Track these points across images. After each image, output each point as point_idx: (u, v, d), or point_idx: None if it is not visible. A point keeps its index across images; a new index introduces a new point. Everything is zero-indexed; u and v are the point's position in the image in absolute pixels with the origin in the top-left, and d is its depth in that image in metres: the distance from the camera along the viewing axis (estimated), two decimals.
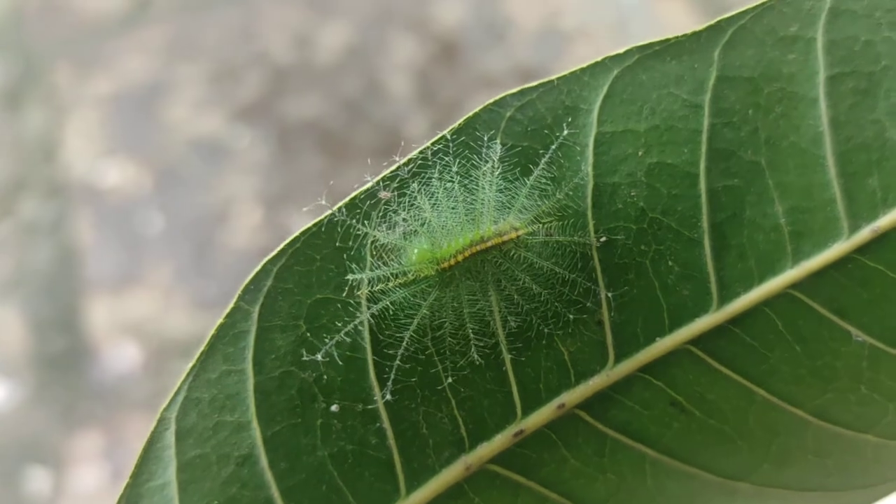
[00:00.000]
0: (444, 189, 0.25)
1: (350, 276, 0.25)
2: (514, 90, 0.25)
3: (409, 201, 0.25)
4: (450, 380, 0.25)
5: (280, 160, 1.23)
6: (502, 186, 0.25)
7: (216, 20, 1.27)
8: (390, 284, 0.25)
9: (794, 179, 0.24)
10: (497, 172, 0.24)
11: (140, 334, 1.20)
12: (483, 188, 0.24)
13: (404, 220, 0.25)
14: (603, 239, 0.25)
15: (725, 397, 0.26)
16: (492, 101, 0.25)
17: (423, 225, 0.25)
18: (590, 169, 0.25)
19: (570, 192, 0.25)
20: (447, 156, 0.25)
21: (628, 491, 0.27)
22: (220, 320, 0.25)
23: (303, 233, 0.25)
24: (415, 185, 0.25)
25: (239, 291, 0.25)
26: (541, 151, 0.25)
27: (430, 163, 0.25)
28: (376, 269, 0.25)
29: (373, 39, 1.26)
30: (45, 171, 1.25)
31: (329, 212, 0.25)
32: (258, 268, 0.25)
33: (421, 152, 0.25)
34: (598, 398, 0.26)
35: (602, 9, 1.30)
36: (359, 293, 0.25)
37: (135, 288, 1.21)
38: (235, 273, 1.21)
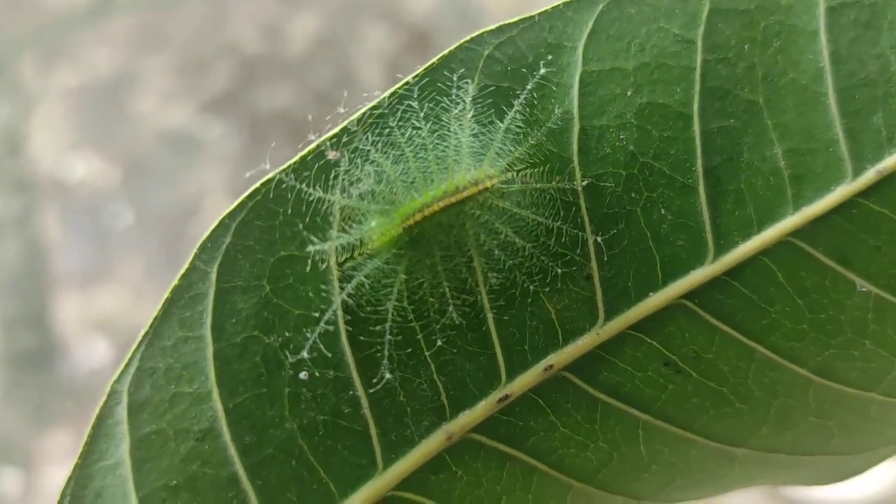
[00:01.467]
0: (410, 137, 0.22)
1: (310, 248, 0.22)
2: (493, 27, 0.23)
3: (364, 155, 0.22)
4: (439, 342, 0.23)
5: (251, 151, 1.20)
6: (476, 131, 0.22)
7: (183, 11, 1.24)
8: (356, 254, 0.23)
9: (794, 119, 0.22)
10: (470, 115, 0.22)
11: (110, 330, 1.17)
12: (455, 133, 0.22)
13: (358, 178, 0.22)
14: (585, 182, 0.22)
15: (723, 356, 0.24)
16: (468, 38, 0.22)
17: (380, 182, 0.22)
18: (575, 111, 0.23)
19: (545, 137, 0.22)
20: (412, 100, 0.22)
21: (621, 459, 0.25)
22: (174, 282, 0.23)
23: (263, 184, 0.22)
24: (368, 136, 0.22)
25: (195, 250, 0.23)
26: (520, 93, 0.23)
27: (390, 110, 0.22)
28: (339, 237, 0.22)
29: (343, 29, 1.23)
30: (11, 165, 1.21)
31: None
32: (215, 223, 0.22)
33: (389, 96, 0.22)
34: (587, 359, 0.24)
35: None
36: (323, 266, 0.22)
37: (104, 283, 1.17)
38: None
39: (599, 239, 0.23)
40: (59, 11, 1.26)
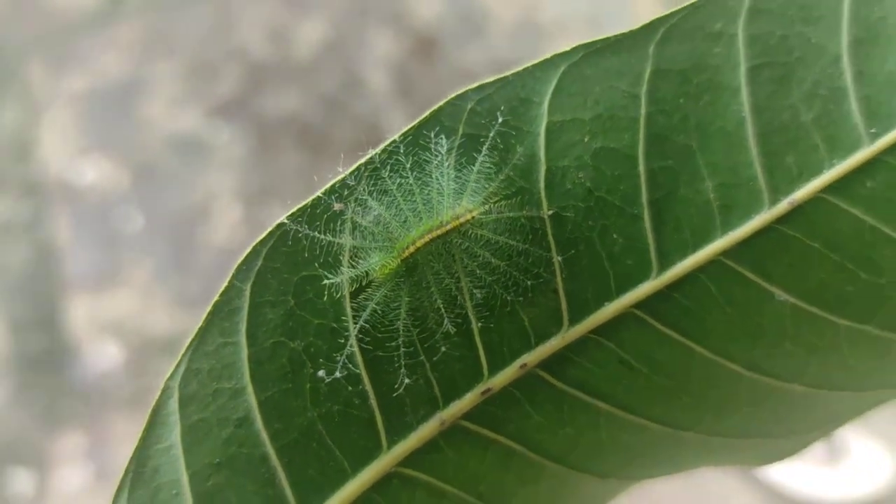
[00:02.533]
0: (399, 185, 0.29)
1: (325, 282, 0.29)
2: (474, 85, 0.29)
3: (363, 202, 0.29)
4: (444, 349, 0.29)
5: (259, 156, 1.26)
6: (454, 176, 0.29)
7: (191, 16, 1.30)
8: (364, 284, 0.29)
9: (722, 159, 0.29)
10: (447, 164, 0.28)
11: (121, 333, 1.22)
12: (437, 179, 0.29)
13: (359, 223, 0.29)
14: (551, 212, 0.29)
15: (669, 355, 0.30)
16: (454, 95, 0.29)
17: (378, 224, 0.29)
18: (542, 154, 0.29)
19: (515, 176, 0.29)
20: (399, 155, 0.29)
21: (586, 442, 0.31)
22: (215, 298, 0.29)
23: (288, 217, 0.29)
24: (365, 187, 0.29)
25: (232, 271, 0.29)
26: (498, 140, 0.29)
27: (382, 164, 0.29)
28: (348, 272, 0.29)
29: (350, 34, 1.29)
30: (20, 169, 1.28)
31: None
32: (248, 250, 0.29)
33: (386, 147, 0.29)
34: (555, 358, 0.30)
35: (578, 2, 1.34)
36: (337, 296, 0.29)
37: (114, 286, 1.23)
38: (216, 270, 1.24)
39: (563, 259, 0.29)
40: (67, 16, 1.33)
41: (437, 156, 0.28)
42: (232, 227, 1.25)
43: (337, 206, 0.28)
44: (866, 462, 1.02)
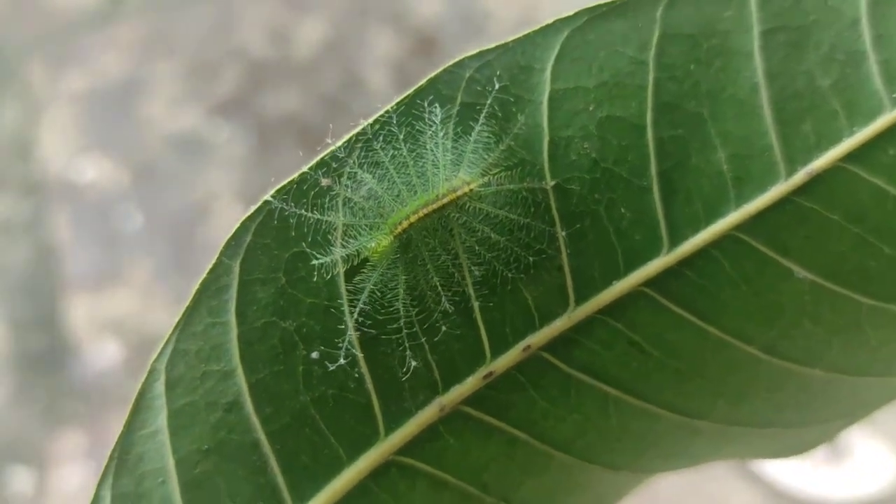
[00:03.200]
0: (393, 157, 0.27)
1: (316, 262, 0.27)
2: (473, 52, 0.27)
3: (353, 176, 0.27)
4: (444, 328, 0.27)
5: (259, 155, 1.25)
6: (450, 146, 0.27)
7: (191, 15, 1.29)
8: (356, 263, 0.27)
9: (734, 128, 0.27)
10: (443, 133, 0.26)
11: (121, 332, 1.21)
12: (432, 150, 0.27)
13: (350, 198, 0.27)
14: (553, 183, 0.27)
15: (681, 337, 0.28)
16: (452, 62, 0.27)
17: (370, 199, 0.27)
18: (545, 124, 0.27)
19: (517, 146, 0.27)
20: (392, 126, 0.27)
21: (595, 431, 0.29)
22: (203, 276, 0.27)
23: (278, 191, 0.27)
24: (356, 160, 0.27)
25: (221, 248, 0.27)
26: (496, 108, 0.27)
27: (374, 135, 0.27)
28: (339, 251, 0.27)
29: (350, 33, 1.28)
30: (21, 168, 1.26)
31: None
32: (237, 225, 0.27)
33: (382, 116, 0.27)
34: (561, 340, 0.28)
35: (578, 2, 1.33)
36: (328, 277, 0.27)
37: (114, 285, 1.22)
38: None
39: (568, 234, 0.27)
40: (67, 16, 1.32)
41: (431, 126, 0.26)
42: (232, 227, 1.23)
43: (324, 182, 0.27)
44: (870, 462, 1.00)
